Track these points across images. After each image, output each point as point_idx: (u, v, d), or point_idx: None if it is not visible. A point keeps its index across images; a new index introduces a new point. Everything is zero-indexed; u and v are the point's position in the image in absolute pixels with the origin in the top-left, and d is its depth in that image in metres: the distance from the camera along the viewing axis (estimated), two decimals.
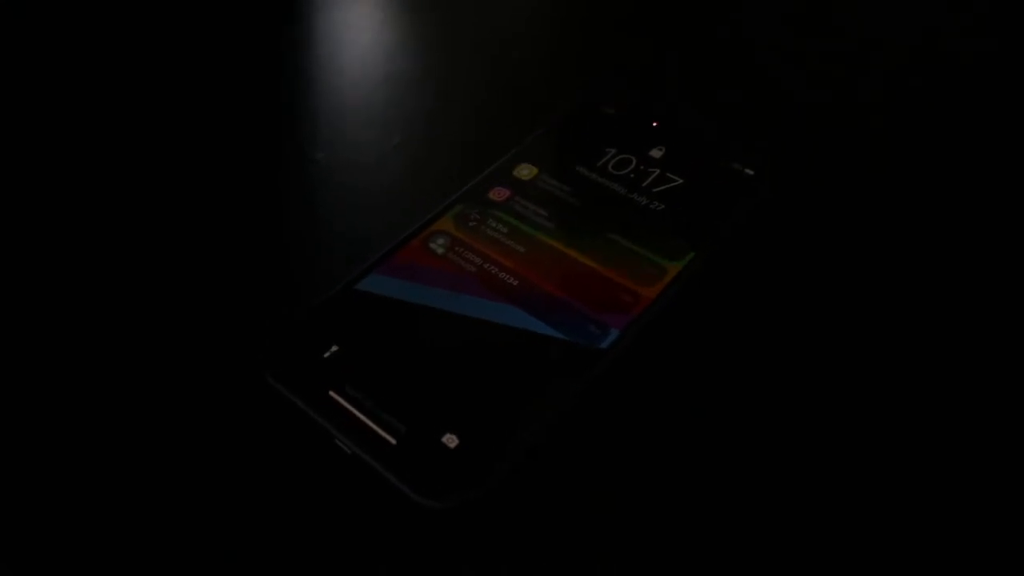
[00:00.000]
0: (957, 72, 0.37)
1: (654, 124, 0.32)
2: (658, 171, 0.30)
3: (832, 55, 0.38)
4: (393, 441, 0.22)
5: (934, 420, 0.24)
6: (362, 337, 0.25)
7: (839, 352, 0.26)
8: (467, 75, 0.38)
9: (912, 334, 0.26)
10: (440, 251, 0.27)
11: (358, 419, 0.23)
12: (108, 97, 0.36)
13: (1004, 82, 0.36)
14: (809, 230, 0.30)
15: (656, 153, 0.31)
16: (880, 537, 0.22)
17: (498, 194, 0.29)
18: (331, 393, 0.23)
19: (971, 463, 0.23)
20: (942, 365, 0.26)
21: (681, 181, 0.30)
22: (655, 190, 0.29)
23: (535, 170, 0.30)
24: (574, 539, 0.22)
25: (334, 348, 0.25)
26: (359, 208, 0.31)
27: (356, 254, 0.28)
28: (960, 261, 0.29)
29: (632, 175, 0.30)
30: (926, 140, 0.34)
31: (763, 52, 0.39)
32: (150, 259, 0.29)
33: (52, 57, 0.38)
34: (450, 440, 0.22)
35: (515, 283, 0.26)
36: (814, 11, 0.41)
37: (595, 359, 0.24)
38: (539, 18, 0.42)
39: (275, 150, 0.34)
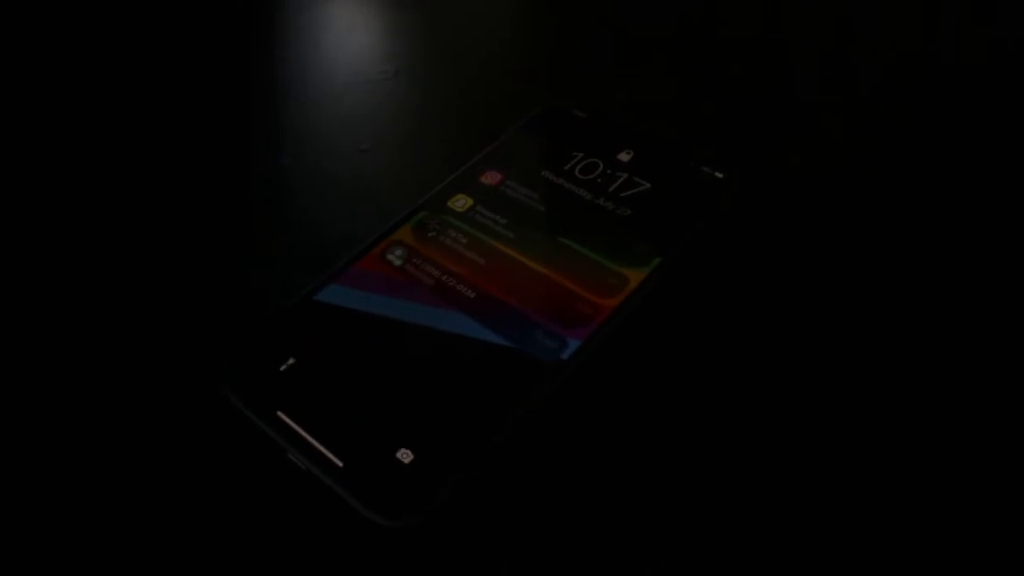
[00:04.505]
0: (931, 71, 0.37)
1: (623, 125, 0.32)
2: (625, 175, 0.30)
3: (809, 54, 0.38)
4: (340, 463, 0.22)
5: (909, 441, 0.24)
6: (319, 349, 0.25)
7: (808, 359, 0.26)
8: (438, 76, 0.37)
9: (887, 343, 0.26)
10: (398, 262, 0.27)
11: (306, 440, 0.22)
12: (63, 100, 0.36)
13: (987, 85, 0.36)
14: (780, 235, 0.29)
15: (624, 156, 0.30)
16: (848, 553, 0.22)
17: (460, 202, 0.29)
18: (279, 413, 0.23)
19: (946, 465, 0.23)
20: (915, 375, 0.25)
21: (648, 185, 0.29)
22: (622, 195, 0.29)
23: (499, 176, 0.30)
24: (532, 555, 0.22)
25: (291, 361, 0.24)
26: (327, 214, 0.31)
27: (324, 261, 0.27)
28: (936, 264, 0.28)
29: (599, 179, 0.30)
30: (902, 141, 0.33)
31: (738, 51, 0.38)
32: (109, 265, 0.29)
33: (9, 59, 0.38)
34: (404, 455, 0.22)
35: (473, 295, 0.26)
36: (795, 8, 0.40)
37: (555, 371, 0.24)
38: (513, 17, 0.42)
39: (240, 155, 0.33)
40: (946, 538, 0.22)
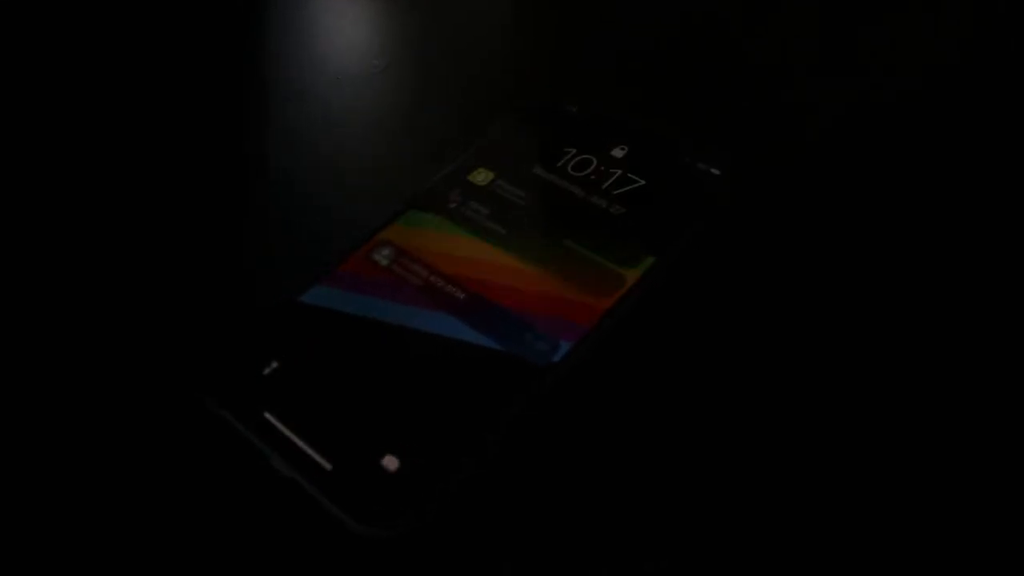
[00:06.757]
0: (931, 71, 0.36)
1: (617, 120, 0.31)
2: (620, 172, 0.29)
3: (809, 54, 0.37)
4: (329, 466, 0.21)
5: (906, 439, 0.23)
6: (303, 352, 0.24)
7: (806, 358, 0.25)
8: (440, 75, 0.37)
9: (888, 344, 0.25)
10: (385, 262, 0.26)
11: (293, 443, 0.22)
12: (52, 98, 0.35)
13: (987, 85, 0.35)
14: (778, 234, 0.29)
15: (618, 153, 0.30)
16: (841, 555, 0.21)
17: (450, 199, 0.28)
18: (266, 415, 0.22)
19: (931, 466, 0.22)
20: (913, 377, 0.25)
21: (643, 182, 0.29)
22: (615, 192, 0.28)
23: (490, 173, 0.29)
24: (534, 555, 0.21)
25: (274, 364, 0.24)
26: (313, 216, 0.30)
27: (318, 261, 0.27)
28: (935, 264, 0.28)
29: (592, 176, 0.29)
30: (901, 141, 0.32)
31: (738, 51, 0.37)
32: (93, 268, 0.28)
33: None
34: (390, 462, 0.21)
35: (462, 295, 0.25)
36: (795, 8, 0.40)
37: (544, 375, 0.23)
38: (514, 16, 0.41)
39: (227, 154, 0.33)
40: (946, 538, 0.21)
